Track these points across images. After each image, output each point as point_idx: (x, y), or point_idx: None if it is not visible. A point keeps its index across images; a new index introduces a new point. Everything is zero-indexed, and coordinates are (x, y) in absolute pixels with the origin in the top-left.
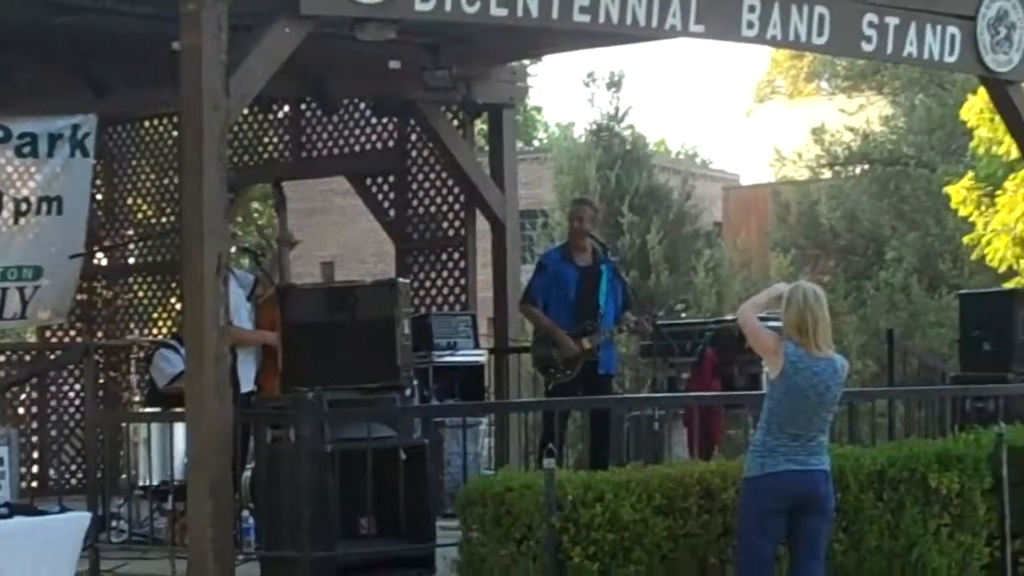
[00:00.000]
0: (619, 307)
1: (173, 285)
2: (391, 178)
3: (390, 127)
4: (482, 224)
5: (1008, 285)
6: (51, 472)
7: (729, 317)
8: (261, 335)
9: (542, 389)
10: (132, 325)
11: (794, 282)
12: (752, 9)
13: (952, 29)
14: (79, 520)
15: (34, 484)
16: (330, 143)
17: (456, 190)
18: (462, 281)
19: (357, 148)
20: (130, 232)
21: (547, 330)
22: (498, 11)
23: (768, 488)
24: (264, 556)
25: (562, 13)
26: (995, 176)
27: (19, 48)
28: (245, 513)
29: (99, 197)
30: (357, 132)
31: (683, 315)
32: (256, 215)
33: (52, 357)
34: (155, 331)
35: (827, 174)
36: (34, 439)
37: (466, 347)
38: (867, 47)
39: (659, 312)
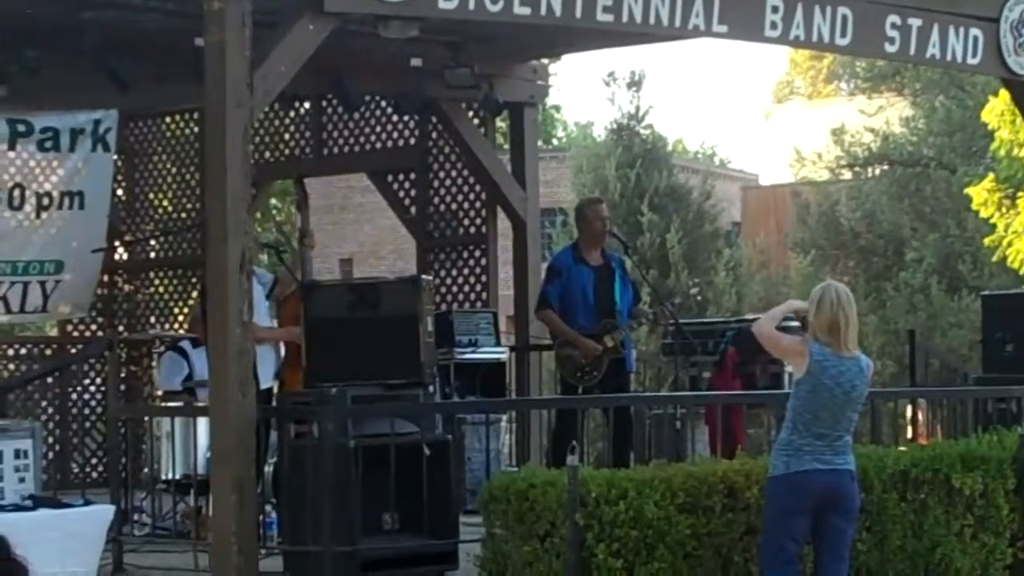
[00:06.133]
0: (631, 302)
1: (194, 280)
2: (412, 175)
3: (411, 124)
4: (503, 222)
5: None
6: (73, 465)
7: (750, 316)
8: (283, 332)
9: (562, 387)
10: (153, 319)
11: (825, 282)
12: (775, 9)
13: (975, 31)
14: (103, 513)
15: (57, 477)
16: (351, 140)
17: (477, 188)
18: (483, 278)
19: (378, 145)
20: (151, 227)
21: (564, 335)
22: (521, 10)
23: (793, 487)
24: (287, 550)
25: (585, 12)
26: (1015, 178)
27: (45, 43)
28: (268, 507)
29: (120, 192)
30: (379, 129)
31: (698, 297)
32: (275, 211)
33: (74, 351)
34: (175, 326)
35: (847, 175)
36: (56, 432)
37: (487, 344)
38: (890, 48)
39: (676, 300)
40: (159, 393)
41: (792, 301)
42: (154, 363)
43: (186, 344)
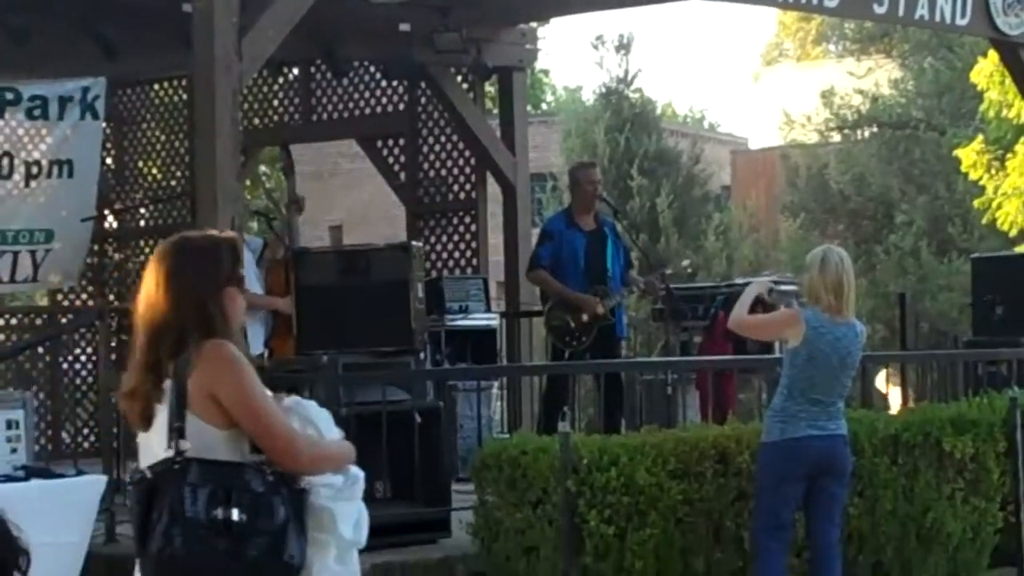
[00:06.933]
0: (623, 268)
1: None
2: (401, 141)
3: (400, 90)
4: (492, 187)
5: (1020, 249)
6: (65, 436)
7: (740, 281)
8: (270, 301)
9: (552, 354)
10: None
11: (824, 245)
12: None
13: None
14: (95, 483)
15: (48, 447)
16: (340, 106)
17: (467, 153)
18: (473, 244)
19: (367, 111)
20: (140, 195)
21: (561, 294)
22: None
23: (788, 453)
24: None
25: None
26: (1005, 139)
27: (33, 11)
28: None
29: (109, 160)
30: (367, 95)
31: (688, 270)
32: (264, 178)
33: (64, 321)
34: None
35: (836, 137)
36: (48, 403)
37: (478, 311)
38: (879, 9)
39: (668, 271)
40: None
41: (751, 286)
42: None
43: None
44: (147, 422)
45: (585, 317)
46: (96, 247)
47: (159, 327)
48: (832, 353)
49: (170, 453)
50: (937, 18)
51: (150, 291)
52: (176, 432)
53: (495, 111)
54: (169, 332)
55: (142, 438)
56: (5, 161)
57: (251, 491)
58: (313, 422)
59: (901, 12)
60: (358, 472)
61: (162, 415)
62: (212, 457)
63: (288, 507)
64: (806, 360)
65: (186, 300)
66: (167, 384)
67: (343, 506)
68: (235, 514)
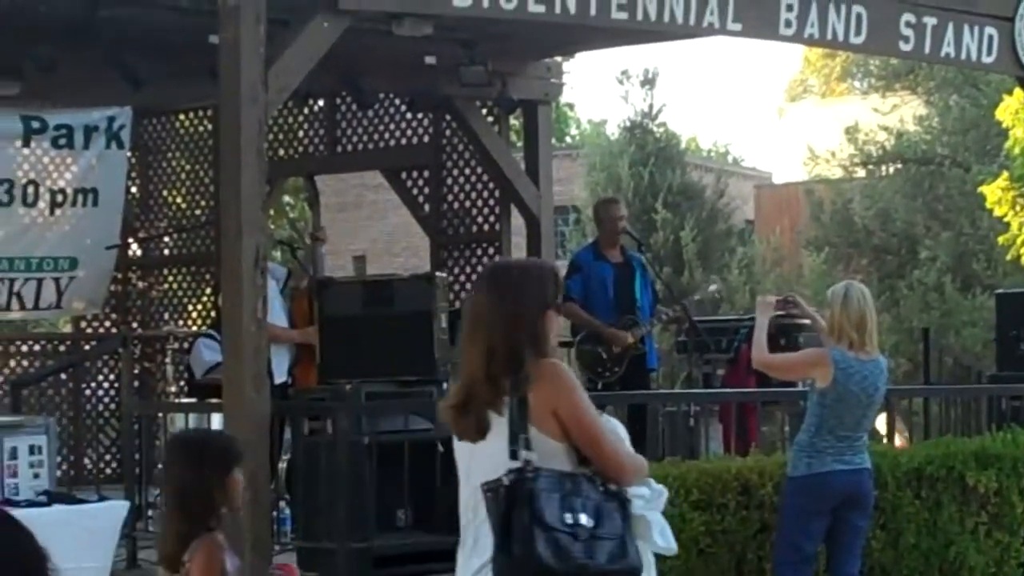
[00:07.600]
0: (651, 300)
1: (207, 277)
2: (426, 173)
3: (425, 122)
4: (516, 220)
5: None
6: (87, 461)
7: None
8: (294, 334)
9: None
10: (166, 316)
11: (845, 281)
12: (790, 7)
13: (990, 30)
14: (117, 509)
15: (71, 473)
16: (365, 137)
17: (491, 185)
18: None
19: (392, 143)
20: (164, 224)
21: (591, 327)
22: (536, 8)
23: (815, 488)
24: (300, 547)
25: (600, 10)
26: None
27: (59, 40)
28: (281, 504)
29: (134, 189)
30: (392, 127)
31: (717, 294)
32: (288, 208)
33: (88, 347)
34: (189, 322)
35: (860, 173)
36: (70, 428)
37: None
38: (905, 47)
39: (696, 297)
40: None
41: (760, 316)
42: (167, 359)
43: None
44: (481, 433)
45: (616, 348)
46: (120, 275)
47: (494, 345)
48: (861, 392)
49: (511, 463)
50: (963, 56)
51: (482, 313)
52: (524, 443)
53: (519, 144)
54: (504, 349)
55: (465, 448)
56: (31, 189)
57: (592, 498)
58: (620, 437)
59: (927, 49)
60: (660, 486)
61: (497, 426)
62: (550, 467)
63: (620, 515)
64: (836, 401)
65: (520, 320)
66: (504, 399)
67: (654, 515)
68: (583, 519)
